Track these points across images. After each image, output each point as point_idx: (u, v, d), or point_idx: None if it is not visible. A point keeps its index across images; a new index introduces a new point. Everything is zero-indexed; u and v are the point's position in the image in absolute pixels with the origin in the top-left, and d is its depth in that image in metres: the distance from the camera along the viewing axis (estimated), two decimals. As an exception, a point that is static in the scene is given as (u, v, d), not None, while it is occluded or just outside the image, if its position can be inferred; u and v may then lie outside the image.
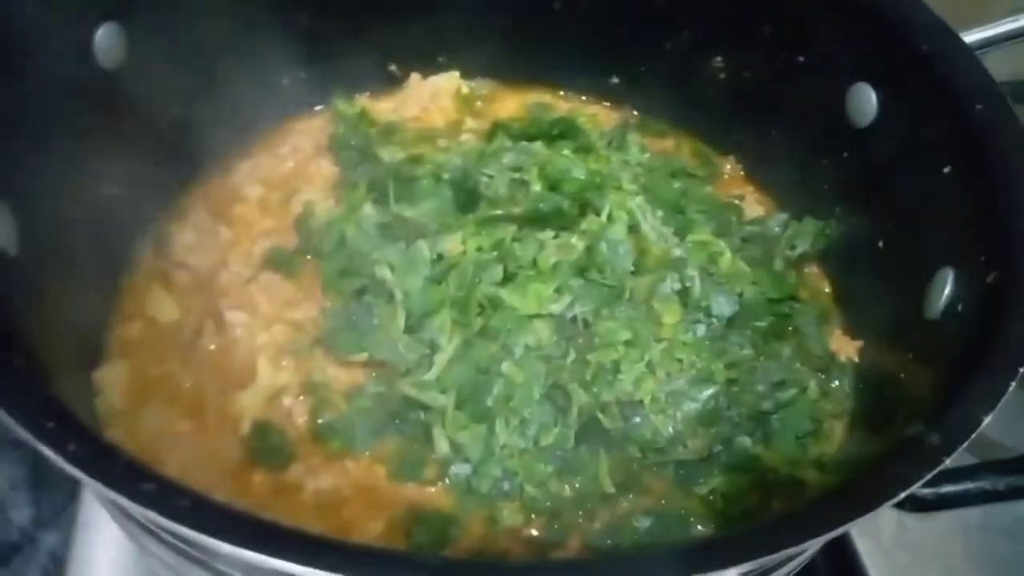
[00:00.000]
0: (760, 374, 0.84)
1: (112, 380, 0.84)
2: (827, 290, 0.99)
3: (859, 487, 0.53)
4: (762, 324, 0.88)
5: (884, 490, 0.50)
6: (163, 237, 0.95)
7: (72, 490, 0.99)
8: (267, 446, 0.81)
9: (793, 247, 0.98)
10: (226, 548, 0.47)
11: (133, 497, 0.47)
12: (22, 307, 0.68)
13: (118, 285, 0.91)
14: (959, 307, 0.73)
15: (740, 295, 0.87)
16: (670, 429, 0.79)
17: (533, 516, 0.77)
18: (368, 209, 0.91)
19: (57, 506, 1.00)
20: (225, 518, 0.48)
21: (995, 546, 0.98)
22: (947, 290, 0.75)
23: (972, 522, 0.98)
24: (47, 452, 0.49)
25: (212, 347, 0.87)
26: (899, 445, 0.56)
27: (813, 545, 0.49)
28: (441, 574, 0.48)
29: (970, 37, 0.86)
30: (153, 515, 0.47)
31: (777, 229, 0.99)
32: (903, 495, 0.50)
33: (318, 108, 1.10)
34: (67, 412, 0.54)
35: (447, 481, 0.79)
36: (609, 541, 0.75)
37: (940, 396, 0.61)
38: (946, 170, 0.79)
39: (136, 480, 0.49)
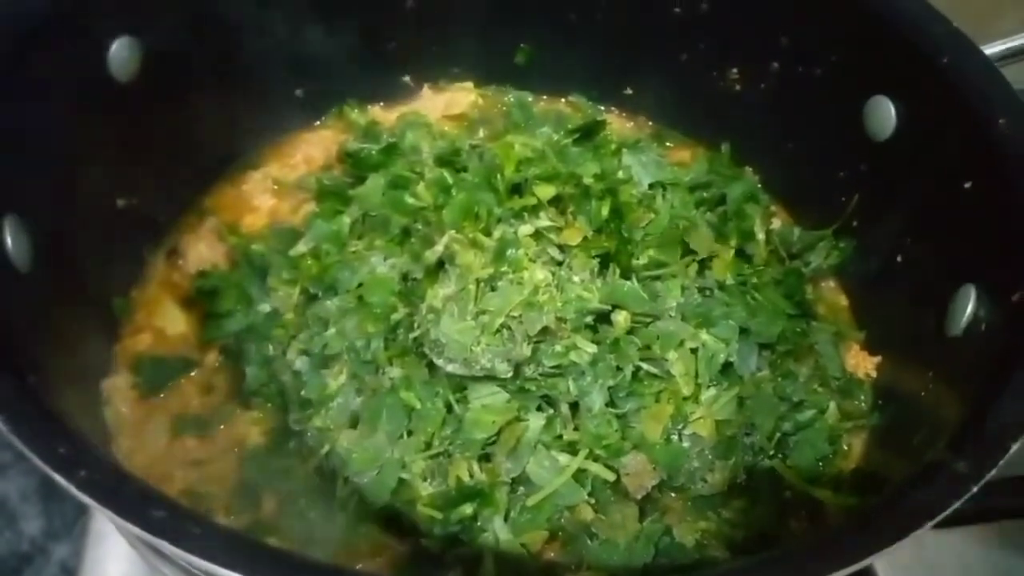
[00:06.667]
0: (777, 395, 0.83)
1: (120, 390, 0.84)
2: (844, 304, 0.98)
3: (884, 515, 0.51)
4: (778, 344, 0.86)
5: (911, 520, 0.49)
6: (175, 248, 0.95)
7: (83, 502, 0.98)
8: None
9: (808, 262, 0.97)
10: (237, 577, 0.46)
11: (144, 526, 0.47)
12: (35, 323, 0.68)
13: (129, 297, 0.91)
14: (982, 326, 0.72)
15: (754, 313, 0.86)
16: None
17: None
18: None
19: (68, 518, 1.00)
20: (235, 547, 0.47)
21: (1013, 563, 0.97)
22: (969, 308, 0.74)
23: (990, 539, 0.97)
24: (58, 479, 0.48)
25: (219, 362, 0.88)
26: (924, 471, 0.54)
27: None
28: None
29: (990, 50, 0.85)
30: (164, 544, 0.46)
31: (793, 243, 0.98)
32: (930, 525, 0.49)
33: (330, 119, 1.10)
34: (78, 437, 0.53)
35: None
36: (623, 563, 0.74)
37: (965, 420, 0.60)
38: (967, 185, 0.78)
39: (147, 507, 0.48)
